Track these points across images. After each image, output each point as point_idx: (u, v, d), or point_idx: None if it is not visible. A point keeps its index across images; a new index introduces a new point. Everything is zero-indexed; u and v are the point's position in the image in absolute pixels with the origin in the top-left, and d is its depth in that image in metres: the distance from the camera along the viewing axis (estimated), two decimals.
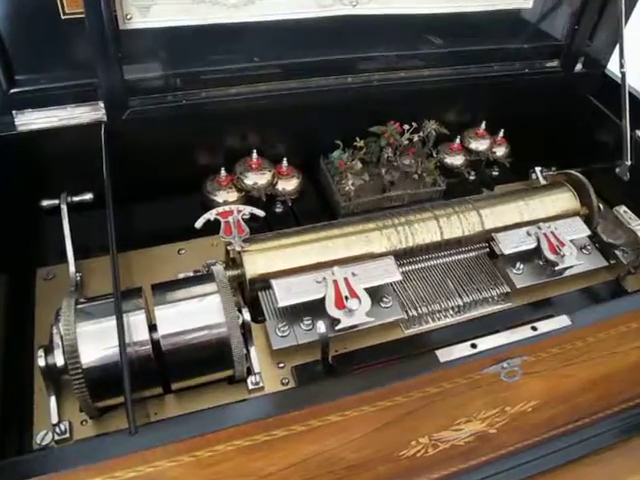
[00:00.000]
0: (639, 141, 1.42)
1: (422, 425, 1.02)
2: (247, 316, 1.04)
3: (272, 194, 1.36)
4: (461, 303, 1.20)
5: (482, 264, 1.28)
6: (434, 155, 1.44)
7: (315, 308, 1.09)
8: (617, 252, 1.33)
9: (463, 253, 1.28)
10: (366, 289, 1.10)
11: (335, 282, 1.09)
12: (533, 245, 1.26)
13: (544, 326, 0.95)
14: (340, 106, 1.36)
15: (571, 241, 1.26)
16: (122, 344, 0.86)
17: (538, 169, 1.50)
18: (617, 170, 1.46)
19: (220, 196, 1.32)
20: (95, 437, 0.95)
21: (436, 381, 0.91)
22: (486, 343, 0.92)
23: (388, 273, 1.14)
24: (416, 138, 1.41)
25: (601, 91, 1.56)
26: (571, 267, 1.25)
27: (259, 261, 1.14)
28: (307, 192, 1.41)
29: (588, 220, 1.35)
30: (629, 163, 1.43)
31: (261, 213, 1.19)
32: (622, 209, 1.34)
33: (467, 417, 1.07)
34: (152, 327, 0.96)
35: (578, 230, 1.31)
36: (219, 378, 1.03)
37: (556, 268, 1.23)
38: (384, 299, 1.15)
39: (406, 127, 1.39)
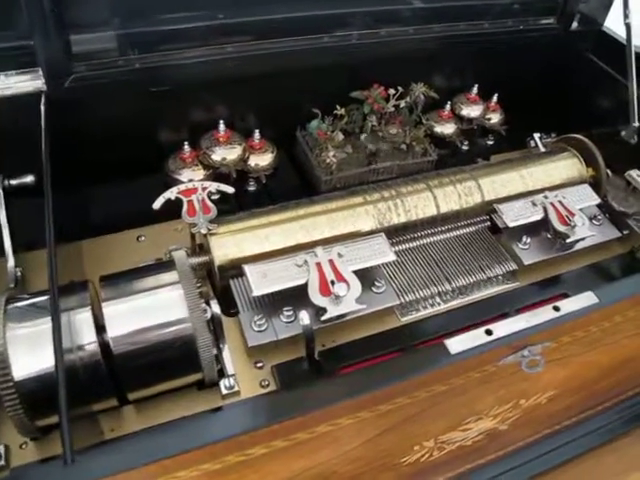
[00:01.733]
0: None
1: (427, 428, 0.85)
2: (216, 309, 0.86)
3: (243, 171, 1.17)
4: (463, 284, 1.03)
5: (484, 239, 1.11)
6: (423, 122, 1.26)
7: (296, 296, 0.91)
8: (630, 222, 1.17)
9: (462, 228, 1.11)
10: (355, 272, 0.92)
11: (319, 265, 0.91)
12: (540, 216, 1.09)
13: (567, 305, 0.79)
14: (317, 70, 1.18)
15: (580, 210, 1.10)
16: (58, 348, 0.67)
17: (537, 135, 1.33)
18: (623, 133, 1.30)
19: (185, 175, 1.13)
20: (33, 464, 0.77)
21: (446, 377, 0.74)
22: (502, 328, 0.75)
23: (380, 253, 0.96)
24: (403, 104, 1.23)
25: (601, 49, 1.39)
26: (582, 239, 1.08)
27: (229, 244, 0.96)
28: (283, 168, 1.23)
29: (596, 188, 1.19)
30: (637, 125, 1.27)
31: (229, 189, 1.00)
32: (635, 173, 1.18)
33: (477, 415, 0.89)
34: (101, 327, 0.78)
35: (587, 198, 1.15)
36: (186, 384, 0.85)
37: (567, 241, 1.06)
38: (376, 283, 0.97)
39: (392, 92, 1.21)
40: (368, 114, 1.22)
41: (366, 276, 0.96)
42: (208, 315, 0.86)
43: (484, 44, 1.31)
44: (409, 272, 1.03)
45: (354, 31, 1.18)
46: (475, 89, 1.35)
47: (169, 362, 0.80)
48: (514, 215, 1.08)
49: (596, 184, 1.20)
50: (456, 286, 1.02)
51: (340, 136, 1.22)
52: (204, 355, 0.80)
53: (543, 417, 1.06)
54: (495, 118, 1.38)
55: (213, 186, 0.99)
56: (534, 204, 1.10)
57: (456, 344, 0.71)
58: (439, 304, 1.02)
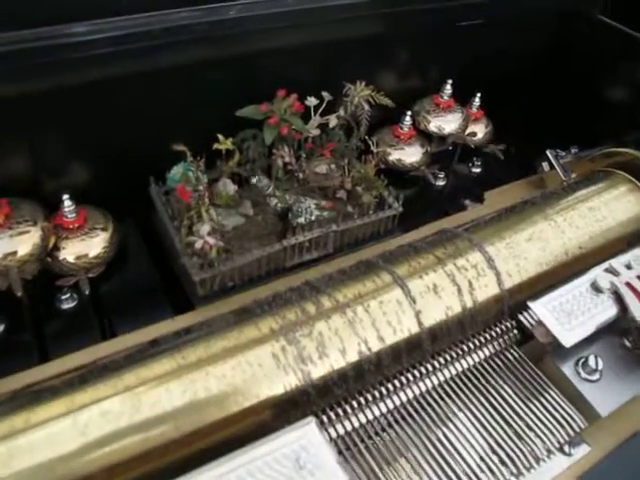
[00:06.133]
0: None
1: None
2: None
3: (51, 272, 0.60)
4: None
5: (513, 371, 0.54)
6: (373, 149, 0.70)
7: None
8: None
9: (470, 354, 0.55)
10: None
11: None
12: (612, 312, 0.55)
13: None
14: (170, 72, 0.62)
15: None
16: None
17: (551, 153, 0.80)
18: None
19: None
20: None
21: None
22: None
23: (312, 469, 0.40)
24: (334, 121, 0.68)
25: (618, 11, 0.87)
26: None
27: None
28: (129, 259, 0.65)
29: None
30: None
31: None
32: None
33: None
34: None
35: None
36: None
37: None
38: None
39: (312, 102, 0.66)
40: (276, 145, 0.67)
41: None
42: None
43: (456, 14, 0.77)
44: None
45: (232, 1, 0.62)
46: (449, 88, 0.80)
47: None
48: (566, 318, 0.53)
49: None
50: None
51: (230, 187, 0.66)
52: None
53: None
54: (481, 131, 0.84)
55: None
56: (596, 289, 0.56)
57: None
58: None
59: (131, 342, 0.50)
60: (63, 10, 0.56)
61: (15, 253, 0.58)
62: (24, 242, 0.58)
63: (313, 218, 0.64)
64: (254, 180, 0.66)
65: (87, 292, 0.59)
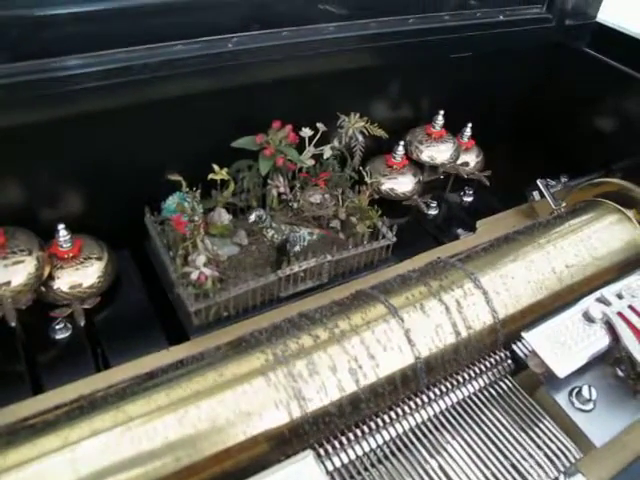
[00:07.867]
0: None
1: None
2: None
3: (44, 302, 0.60)
4: None
5: (508, 402, 0.55)
6: (367, 180, 0.71)
7: None
8: None
9: (464, 385, 0.55)
10: None
11: None
12: (604, 343, 0.55)
13: None
14: (167, 104, 0.63)
15: None
16: None
17: (541, 183, 0.81)
18: None
19: None
20: None
21: None
22: None
23: None
24: (328, 152, 0.69)
25: (609, 47, 0.89)
26: None
27: None
28: (124, 288, 0.65)
29: None
30: None
31: None
32: None
33: None
34: None
35: None
36: None
37: None
38: None
39: (306, 133, 0.67)
40: (271, 175, 0.67)
41: None
42: None
43: (446, 47, 0.79)
44: None
45: (231, 33, 0.64)
46: (440, 118, 0.82)
47: None
48: (560, 348, 0.54)
49: None
50: None
51: (225, 216, 0.66)
52: None
53: None
54: (472, 160, 0.86)
55: None
56: (589, 319, 0.56)
57: None
58: None
59: (126, 373, 0.50)
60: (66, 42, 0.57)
61: (9, 283, 0.58)
62: (18, 272, 0.58)
63: (306, 243, 0.64)
64: (252, 217, 0.66)
65: (82, 324, 0.59)
